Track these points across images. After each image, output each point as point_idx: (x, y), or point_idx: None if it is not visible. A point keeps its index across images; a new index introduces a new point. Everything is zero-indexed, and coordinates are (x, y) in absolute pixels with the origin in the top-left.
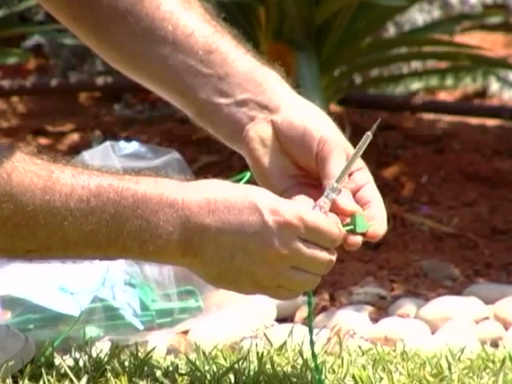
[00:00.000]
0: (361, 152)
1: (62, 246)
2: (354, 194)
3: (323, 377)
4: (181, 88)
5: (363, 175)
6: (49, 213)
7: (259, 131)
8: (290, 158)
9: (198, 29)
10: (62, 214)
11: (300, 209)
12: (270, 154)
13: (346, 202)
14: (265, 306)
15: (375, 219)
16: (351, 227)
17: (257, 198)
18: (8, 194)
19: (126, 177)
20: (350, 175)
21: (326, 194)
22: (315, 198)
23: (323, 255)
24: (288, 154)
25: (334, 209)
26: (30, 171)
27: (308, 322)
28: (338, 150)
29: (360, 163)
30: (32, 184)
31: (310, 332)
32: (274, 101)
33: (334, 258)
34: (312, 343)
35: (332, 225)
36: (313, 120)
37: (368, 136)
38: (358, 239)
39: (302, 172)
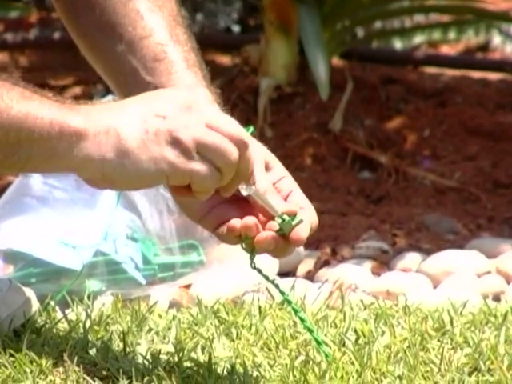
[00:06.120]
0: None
1: None
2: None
3: (325, 331)
4: (124, 90)
5: (288, 183)
6: None
7: None
8: None
9: (155, 33)
10: None
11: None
12: None
13: (278, 202)
14: (267, 260)
15: (303, 221)
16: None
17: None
18: None
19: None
20: (274, 184)
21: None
22: (238, 213)
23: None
24: None
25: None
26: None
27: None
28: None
29: (283, 171)
30: None
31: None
32: None
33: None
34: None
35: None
36: None
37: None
38: (302, 234)
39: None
